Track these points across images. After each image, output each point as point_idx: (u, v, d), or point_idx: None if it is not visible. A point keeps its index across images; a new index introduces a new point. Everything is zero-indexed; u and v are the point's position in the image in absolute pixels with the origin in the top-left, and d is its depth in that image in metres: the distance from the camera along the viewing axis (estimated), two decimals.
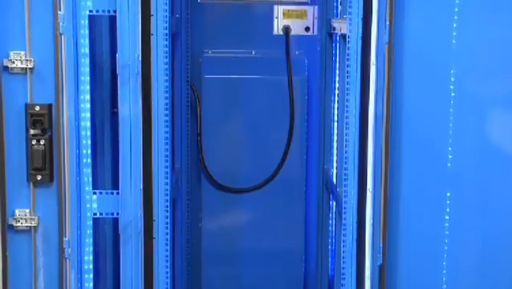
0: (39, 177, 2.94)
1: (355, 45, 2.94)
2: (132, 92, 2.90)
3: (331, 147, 4.07)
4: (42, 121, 2.91)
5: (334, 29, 3.82)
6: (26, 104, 2.91)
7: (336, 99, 3.91)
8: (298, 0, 4.22)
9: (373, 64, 2.90)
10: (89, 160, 2.97)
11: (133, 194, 2.95)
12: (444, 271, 3.10)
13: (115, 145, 3.06)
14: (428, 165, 3.05)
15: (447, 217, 3.07)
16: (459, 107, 3.01)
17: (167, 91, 2.95)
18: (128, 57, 2.89)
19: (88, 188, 2.99)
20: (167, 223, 3.00)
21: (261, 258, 4.28)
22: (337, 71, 3.96)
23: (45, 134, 2.93)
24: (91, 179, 2.99)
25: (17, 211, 2.97)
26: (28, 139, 2.93)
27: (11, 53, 2.90)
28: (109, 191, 3.03)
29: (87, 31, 2.92)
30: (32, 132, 2.92)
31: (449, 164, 3.04)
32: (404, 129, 3.03)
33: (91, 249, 3.03)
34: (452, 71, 3.00)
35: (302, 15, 4.21)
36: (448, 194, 3.06)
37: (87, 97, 2.95)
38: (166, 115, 2.95)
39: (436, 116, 3.03)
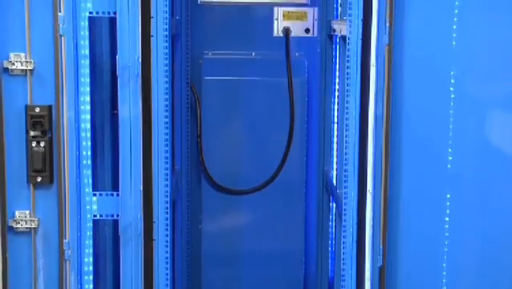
0: (39, 179, 2.94)
1: (355, 46, 2.94)
2: (132, 94, 2.90)
3: (331, 148, 4.07)
4: (42, 123, 2.90)
5: (334, 30, 3.82)
6: (26, 106, 2.91)
7: (336, 100, 3.91)
8: (298, 2, 4.22)
9: (373, 66, 2.90)
10: (89, 162, 2.97)
11: (133, 196, 2.95)
12: (445, 273, 3.10)
13: (115, 147, 3.06)
14: (428, 167, 3.05)
15: (447, 219, 3.07)
16: (459, 108, 3.01)
17: (167, 93, 2.95)
18: (128, 59, 2.89)
19: (88, 189, 2.99)
20: (167, 225, 2.99)
21: (261, 259, 4.28)
22: (337, 73, 3.96)
23: (45, 136, 2.93)
24: (91, 181, 2.99)
25: (17, 213, 2.97)
26: (28, 140, 2.93)
27: (11, 54, 2.90)
28: (109, 193, 3.03)
29: (87, 33, 2.92)
30: (32, 133, 2.92)
31: (448, 166, 3.04)
32: (404, 131, 3.03)
33: (91, 250, 3.03)
34: (452, 73, 3.00)
35: (302, 17, 4.21)
36: (448, 196, 3.06)
37: (87, 99, 2.95)
38: (166, 116, 2.95)
39: (436, 117, 3.03)
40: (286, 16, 4.20)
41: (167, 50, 2.93)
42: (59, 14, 2.87)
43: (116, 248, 3.14)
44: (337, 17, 3.91)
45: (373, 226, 2.97)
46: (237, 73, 4.18)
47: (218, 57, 4.22)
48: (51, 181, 2.96)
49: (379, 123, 2.95)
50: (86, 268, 3.01)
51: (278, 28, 4.21)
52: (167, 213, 2.99)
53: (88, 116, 2.95)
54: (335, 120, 3.91)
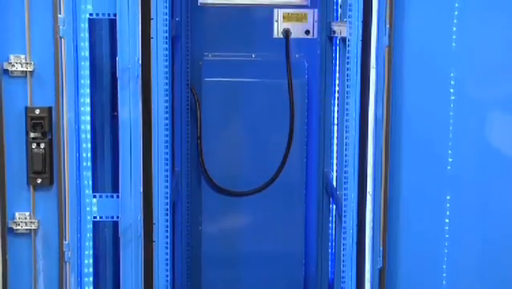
0: (39, 181, 2.94)
1: (355, 48, 2.94)
2: (132, 96, 2.90)
3: (331, 150, 4.07)
4: (42, 124, 2.91)
5: (334, 32, 3.82)
6: (26, 107, 2.92)
7: (336, 102, 3.91)
8: (298, 3, 4.22)
9: (373, 67, 2.90)
10: (89, 164, 2.97)
11: (133, 197, 2.95)
12: (445, 274, 3.10)
13: (115, 148, 3.06)
14: (428, 168, 3.05)
15: (447, 220, 3.07)
16: (459, 110, 3.01)
17: (167, 95, 2.95)
18: (128, 60, 2.89)
19: (88, 191, 2.99)
20: (167, 226, 2.99)
21: (261, 261, 4.28)
22: (337, 74, 3.96)
23: (45, 137, 2.93)
24: (91, 182, 2.99)
25: (17, 214, 2.97)
26: (28, 142, 2.93)
27: (11, 56, 2.90)
28: (109, 194, 3.03)
29: (87, 35, 2.93)
30: (32, 135, 2.92)
31: (448, 168, 3.04)
32: (404, 132, 3.03)
33: (91, 252, 3.03)
34: (452, 74, 3.00)
35: (302, 18, 4.21)
36: (448, 197, 3.06)
37: (87, 100, 2.95)
38: (166, 118, 2.95)
39: (436, 118, 3.03)
40: (286, 18, 4.20)
41: (167, 52, 2.93)
42: (59, 15, 2.87)
43: (116, 250, 3.14)
44: (337, 18, 3.91)
45: (373, 228, 2.97)
46: (237, 75, 4.18)
47: (218, 58, 4.22)
48: (51, 182, 2.96)
49: (379, 124, 2.95)
50: (86, 270, 3.01)
51: (278, 30, 4.21)
52: (167, 214, 2.99)
53: (88, 118, 2.95)
54: (335, 121, 3.91)
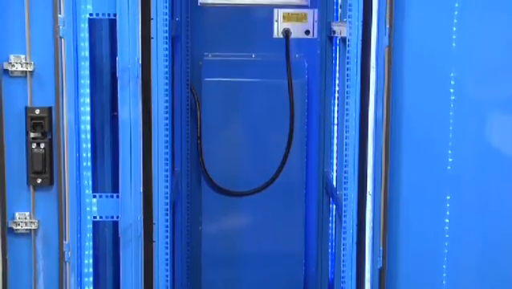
0: (39, 181, 2.94)
1: (355, 48, 2.94)
2: (132, 96, 2.90)
3: (331, 150, 4.07)
4: (42, 124, 2.91)
5: (334, 32, 3.82)
6: (26, 108, 2.92)
7: (336, 102, 3.91)
8: (298, 3, 4.22)
9: (373, 67, 2.90)
10: (89, 164, 2.97)
11: (133, 197, 2.95)
12: (445, 274, 3.10)
13: (115, 148, 3.06)
14: (428, 168, 3.05)
15: (447, 220, 3.07)
16: (459, 110, 3.01)
17: (167, 95, 2.95)
18: (128, 60, 2.89)
19: (88, 191, 2.99)
20: (167, 226, 2.99)
21: (261, 261, 4.28)
22: (337, 74, 3.96)
23: (45, 137, 2.93)
24: (91, 182, 2.99)
25: (17, 214, 2.97)
26: (28, 142, 2.93)
27: (11, 56, 2.90)
28: (109, 194, 3.03)
29: (87, 35, 2.93)
30: (32, 135, 2.92)
31: (448, 168, 3.04)
32: (404, 132, 3.03)
33: (91, 252, 3.03)
34: (452, 74, 3.00)
35: (302, 18, 4.21)
36: (448, 197, 3.06)
37: (87, 100, 2.95)
38: (166, 118, 2.95)
39: (436, 118, 3.03)
40: (286, 18, 4.20)
41: (167, 52, 2.93)
42: (59, 15, 2.87)
43: (116, 250, 3.14)
44: (337, 18, 3.91)
45: (373, 228, 2.97)
46: (237, 74, 4.18)
47: (218, 58, 4.22)
48: (51, 182, 2.96)
49: (379, 124, 2.95)
50: (86, 270, 3.01)
51: (278, 30, 4.21)
52: (167, 214, 2.99)
53: (88, 118, 2.95)
54: (335, 121, 3.91)
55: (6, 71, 2.90)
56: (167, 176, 2.97)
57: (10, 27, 2.89)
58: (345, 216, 3.03)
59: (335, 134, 3.91)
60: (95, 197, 3.00)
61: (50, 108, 2.92)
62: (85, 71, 2.93)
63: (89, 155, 2.97)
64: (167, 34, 2.92)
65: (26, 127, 2.92)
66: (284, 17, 4.20)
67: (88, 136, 2.96)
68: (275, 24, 4.21)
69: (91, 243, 3.02)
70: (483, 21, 2.99)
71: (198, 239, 4.28)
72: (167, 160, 2.97)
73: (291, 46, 4.18)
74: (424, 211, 3.07)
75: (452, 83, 3.00)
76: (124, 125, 2.92)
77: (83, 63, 2.93)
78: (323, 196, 4.18)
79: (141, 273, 2.96)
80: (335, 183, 3.84)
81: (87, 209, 2.99)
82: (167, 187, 2.98)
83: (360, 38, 2.91)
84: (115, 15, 2.89)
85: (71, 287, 2.98)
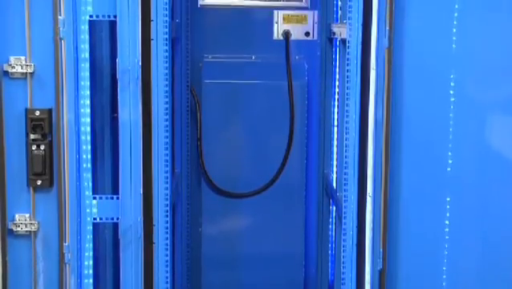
0: (39, 182, 2.94)
1: (355, 50, 2.94)
2: (132, 97, 2.90)
3: (331, 152, 4.07)
4: (43, 126, 2.91)
5: (334, 34, 3.82)
6: (26, 109, 2.92)
7: (336, 103, 3.91)
8: (298, 5, 4.22)
9: (373, 69, 2.90)
10: (89, 165, 2.97)
11: (133, 199, 2.95)
12: (445, 276, 3.09)
13: (115, 150, 3.06)
14: (428, 170, 3.05)
15: (447, 222, 3.07)
16: (459, 111, 3.01)
17: (167, 96, 2.95)
18: (128, 62, 2.89)
19: (88, 193, 2.99)
20: (167, 228, 2.99)
21: (261, 262, 4.28)
22: (337, 76, 3.96)
23: (45, 139, 2.93)
24: (91, 184, 2.99)
25: (17, 216, 2.97)
26: (28, 144, 2.93)
27: (11, 58, 2.90)
28: (109, 196, 3.03)
29: (87, 36, 2.92)
30: (32, 136, 2.92)
31: (448, 169, 3.04)
32: (404, 134, 3.03)
33: (91, 254, 3.02)
34: (452, 76, 3.00)
35: (302, 20, 4.21)
36: (448, 199, 3.06)
37: (87, 102, 2.94)
38: (166, 120, 2.95)
39: (436, 120, 3.03)
40: (286, 19, 4.21)
41: (167, 54, 2.93)
42: (60, 17, 2.87)
43: (116, 251, 3.14)
44: (337, 20, 3.91)
45: (373, 229, 2.97)
46: (237, 76, 4.18)
47: (218, 60, 4.22)
48: (51, 184, 2.96)
49: (379, 126, 2.95)
50: (86, 271, 3.01)
51: (278, 31, 4.22)
52: (167, 216, 2.99)
53: (88, 120, 2.95)
54: (335, 123, 3.91)
55: (6, 73, 2.90)
56: (167, 177, 2.97)
57: (10, 29, 2.89)
58: (345, 217, 3.03)
59: (335, 135, 3.91)
60: (95, 198, 3.00)
61: (50, 110, 2.92)
62: (85, 73, 2.93)
63: (89, 156, 2.97)
64: (167, 36, 2.92)
65: (26, 128, 2.92)
66: (284, 18, 4.21)
67: (88, 138, 2.96)
68: (275, 26, 4.21)
69: (91, 245, 3.02)
70: (483, 22, 2.99)
71: (198, 241, 4.28)
72: (167, 161, 2.97)
73: (291, 48, 4.19)
74: (424, 213, 3.07)
75: (452, 84, 3.00)
76: (124, 127, 2.92)
77: (83, 65, 2.93)
78: (322, 197, 4.18)
79: (141, 274, 2.96)
80: (335, 184, 3.84)
81: (87, 210, 2.98)
82: (167, 188, 2.98)
83: (360, 39, 2.92)
84: (115, 17, 2.89)
85: None
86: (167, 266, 3.01)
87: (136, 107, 2.90)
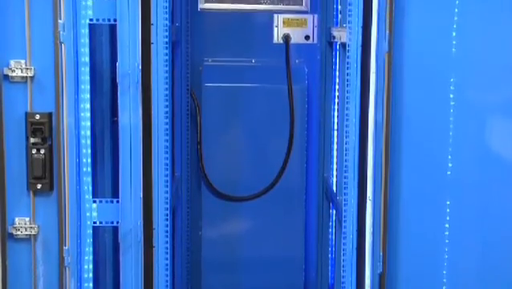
0: (39, 186, 2.94)
1: (354, 53, 2.94)
2: (132, 101, 2.90)
3: (331, 155, 4.07)
4: (43, 130, 2.91)
5: (334, 37, 3.82)
6: (26, 113, 2.92)
7: (336, 107, 3.91)
8: (298, 9, 4.22)
9: (373, 73, 2.90)
10: (89, 169, 2.97)
11: (133, 203, 2.95)
12: (445, 280, 3.09)
13: (115, 154, 3.07)
14: (428, 173, 3.06)
15: (447, 225, 3.07)
16: (459, 115, 3.02)
17: (167, 100, 2.95)
18: (128, 66, 2.89)
19: (88, 196, 2.99)
20: (167, 232, 2.99)
21: (261, 266, 4.27)
22: (337, 80, 3.96)
23: (45, 143, 2.93)
24: (91, 188, 2.99)
25: (17, 220, 2.97)
26: (28, 147, 2.93)
27: (11, 61, 2.90)
28: (109, 199, 3.03)
29: (87, 40, 2.93)
30: (32, 140, 2.92)
31: (448, 172, 3.04)
32: (404, 137, 3.03)
33: (91, 257, 3.02)
34: (452, 79, 3.00)
35: (302, 24, 4.22)
36: (448, 202, 3.06)
37: (87, 106, 2.95)
38: (166, 123, 2.95)
39: (436, 124, 3.03)
40: (286, 23, 4.21)
41: (167, 57, 2.94)
42: (60, 21, 2.87)
43: (116, 255, 3.14)
44: (337, 24, 3.91)
45: (373, 233, 2.97)
46: (237, 80, 4.19)
47: (218, 64, 4.22)
48: (51, 188, 2.96)
49: (379, 129, 2.95)
50: (86, 275, 3.01)
51: (278, 35, 4.22)
52: (167, 219, 2.99)
53: (88, 123, 2.95)
54: (335, 126, 3.91)
55: (6, 77, 2.90)
56: (167, 181, 2.97)
57: (10, 32, 2.89)
58: (345, 221, 3.03)
59: (335, 139, 3.91)
60: (95, 202, 3.00)
61: (50, 114, 2.92)
62: (85, 77, 2.93)
63: (89, 160, 2.97)
64: (167, 40, 2.92)
65: (26, 132, 2.92)
66: (284, 22, 4.21)
67: (88, 142, 2.96)
68: (275, 29, 4.22)
69: (91, 248, 3.02)
70: (483, 26, 2.99)
71: (198, 244, 4.28)
72: (167, 165, 2.97)
73: (291, 52, 4.19)
74: (424, 216, 3.07)
75: (452, 88, 3.01)
76: (124, 130, 2.92)
77: (83, 69, 2.93)
78: (322, 201, 4.18)
79: (141, 278, 2.96)
80: (335, 188, 3.84)
81: (87, 214, 2.98)
82: (167, 192, 2.98)
83: (360, 43, 2.92)
84: (115, 20, 2.89)
85: None
86: (167, 269, 3.01)
87: (136, 110, 2.90)
